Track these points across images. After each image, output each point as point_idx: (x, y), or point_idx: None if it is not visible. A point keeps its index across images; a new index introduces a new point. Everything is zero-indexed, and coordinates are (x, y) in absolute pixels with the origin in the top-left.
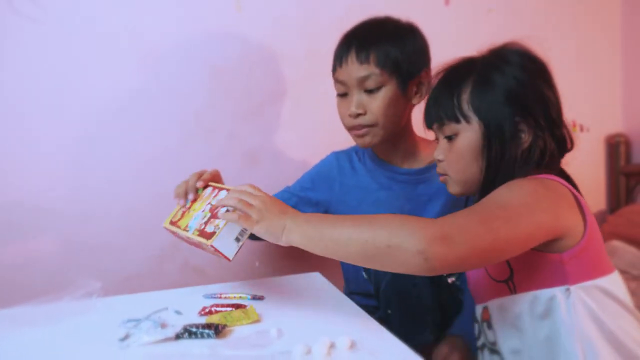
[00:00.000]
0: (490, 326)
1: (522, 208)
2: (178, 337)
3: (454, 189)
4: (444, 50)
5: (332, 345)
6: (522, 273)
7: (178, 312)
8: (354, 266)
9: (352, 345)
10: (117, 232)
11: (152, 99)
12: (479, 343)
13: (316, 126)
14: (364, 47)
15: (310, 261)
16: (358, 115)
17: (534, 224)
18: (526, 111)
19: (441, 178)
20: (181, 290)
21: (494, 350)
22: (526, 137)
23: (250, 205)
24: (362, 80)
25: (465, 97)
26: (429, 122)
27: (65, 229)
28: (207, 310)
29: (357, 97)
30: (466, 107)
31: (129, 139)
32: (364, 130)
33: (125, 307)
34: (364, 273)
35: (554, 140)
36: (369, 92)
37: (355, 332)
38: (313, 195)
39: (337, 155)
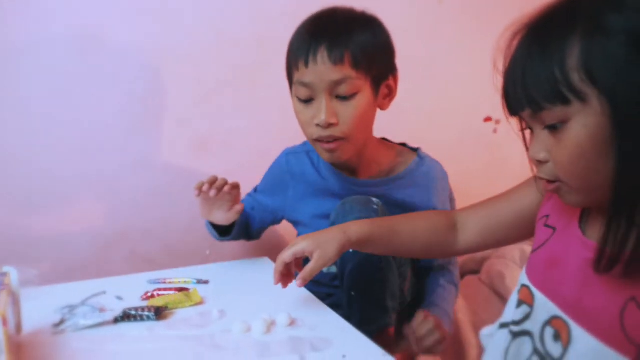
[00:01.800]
0: (559, 341)
1: None
2: (117, 320)
3: (573, 200)
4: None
5: (272, 323)
6: None
7: (119, 298)
8: None
9: (293, 322)
10: (59, 221)
11: (96, 84)
12: (518, 328)
13: (267, 114)
14: (338, 43)
15: (262, 247)
16: (330, 125)
17: None
18: None
19: (550, 187)
20: (125, 277)
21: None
22: None
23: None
24: (334, 85)
25: (574, 62)
26: (514, 108)
27: (4, 218)
28: (149, 294)
29: (328, 103)
30: (577, 79)
31: (73, 125)
32: (335, 145)
33: (63, 294)
34: None
35: None
36: (342, 98)
37: (296, 310)
38: (268, 201)
39: (288, 157)
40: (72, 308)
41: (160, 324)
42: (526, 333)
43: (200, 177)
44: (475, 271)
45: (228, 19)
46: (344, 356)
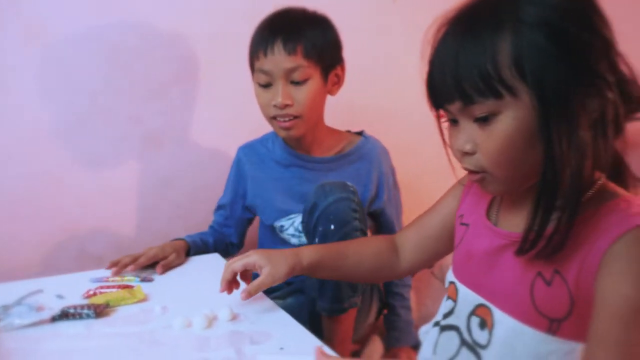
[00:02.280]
0: (485, 328)
1: None
2: (54, 319)
3: (495, 189)
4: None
5: (214, 318)
6: (577, 319)
7: (60, 296)
8: (272, 241)
9: (235, 317)
10: (5, 220)
11: (41, 79)
12: (444, 322)
13: (222, 110)
14: (292, 37)
15: None
16: (285, 106)
17: None
18: (589, 63)
19: (474, 178)
20: (69, 276)
21: (473, 350)
22: (595, 104)
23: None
24: (289, 72)
25: (506, 58)
26: (441, 101)
27: None
28: (91, 292)
29: (284, 88)
30: (509, 75)
31: (18, 121)
32: (290, 123)
33: (1, 294)
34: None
35: (622, 99)
36: (295, 83)
37: (239, 305)
38: (237, 204)
39: (244, 150)
40: (6, 307)
41: (100, 322)
42: (452, 327)
43: (153, 174)
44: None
45: (180, 14)
46: (281, 348)
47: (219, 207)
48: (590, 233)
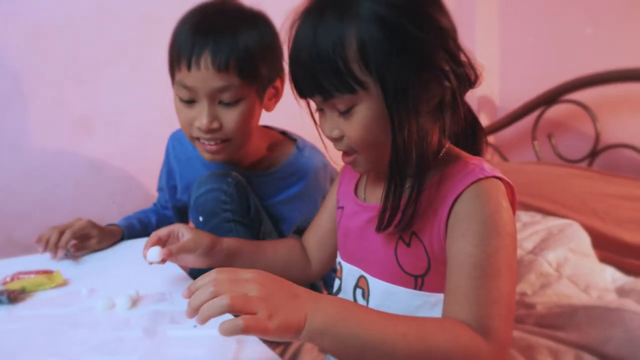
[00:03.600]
0: (365, 298)
1: (514, 259)
2: None
3: (364, 167)
4: None
5: (138, 299)
6: (436, 273)
7: None
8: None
9: (160, 298)
10: None
11: None
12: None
13: (153, 92)
14: (222, 50)
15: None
16: (211, 130)
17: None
18: (425, 56)
19: (348, 159)
20: None
21: None
22: (434, 92)
23: (249, 300)
24: (217, 92)
25: (352, 54)
26: (304, 94)
27: None
28: (8, 279)
29: (210, 109)
30: (358, 70)
31: None
32: (217, 147)
33: None
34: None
35: (457, 79)
36: (225, 104)
37: (166, 285)
38: (170, 191)
39: (173, 143)
40: None
41: (19, 307)
42: None
43: (84, 160)
44: None
45: None
46: (194, 326)
47: (159, 189)
48: (437, 195)
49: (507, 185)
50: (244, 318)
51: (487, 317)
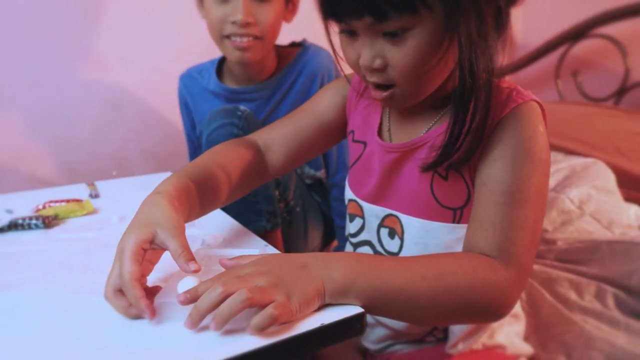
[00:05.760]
0: (395, 237)
1: (545, 187)
2: (3, 230)
3: (403, 103)
4: None
5: None
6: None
7: (9, 211)
8: None
9: (190, 225)
10: None
11: None
12: (356, 240)
13: (168, 29)
14: None
15: (172, 165)
16: (247, 24)
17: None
18: None
19: (383, 95)
20: (17, 194)
21: None
22: (491, 5)
23: (264, 289)
24: None
25: None
26: (345, 16)
27: None
28: (40, 207)
29: (245, 4)
30: None
31: None
32: (249, 43)
33: None
34: None
35: None
36: (259, 0)
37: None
38: (194, 135)
39: (183, 81)
40: None
41: (54, 230)
42: (365, 243)
43: (101, 96)
44: None
45: None
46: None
47: (188, 140)
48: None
49: (542, 108)
50: (272, 306)
51: (510, 242)
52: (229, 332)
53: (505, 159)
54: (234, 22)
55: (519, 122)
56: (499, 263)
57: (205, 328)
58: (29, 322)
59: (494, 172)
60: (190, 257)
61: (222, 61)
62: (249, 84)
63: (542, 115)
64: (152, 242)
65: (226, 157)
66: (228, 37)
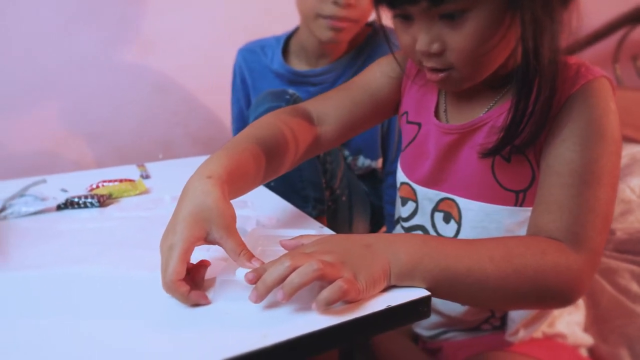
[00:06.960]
0: (451, 221)
1: (617, 168)
2: (59, 207)
3: (459, 86)
4: None
5: None
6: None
7: (64, 190)
8: None
9: (243, 206)
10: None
11: None
12: (408, 224)
13: (216, 11)
14: None
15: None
16: (348, 5)
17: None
18: None
19: (438, 77)
20: (71, 174)
21: None
22: None
23: (333, 264)
24: None
25: None
26: (403, 1)
27: None
28: (94, 186)
29: None
30: None
31: (8, 24)
32: (345, 24)
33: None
34: None
35: None
36: None
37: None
38: (247, 113)
39: (243, 54)
40: (11, 198)
41: (109, 209)
42: (417, 227)
43: (148, 79)
44: None
45: None
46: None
47: (233, 121)
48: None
49: (612, 85)
50: (341, 280)
51: (580, 226)
52: (295, 311)
53: (575, 139)
54: (335, 3)
55: (589, 99)
56: (568, 247)
57: (272, 305)
58: (89, 299)
59: (562, 152)
60: (251, 256)
61: (287, 40)
62: (317, 66)
63: (612, 92)
64: (204, 239)
65: (292, 122)
66: (324, 16)
